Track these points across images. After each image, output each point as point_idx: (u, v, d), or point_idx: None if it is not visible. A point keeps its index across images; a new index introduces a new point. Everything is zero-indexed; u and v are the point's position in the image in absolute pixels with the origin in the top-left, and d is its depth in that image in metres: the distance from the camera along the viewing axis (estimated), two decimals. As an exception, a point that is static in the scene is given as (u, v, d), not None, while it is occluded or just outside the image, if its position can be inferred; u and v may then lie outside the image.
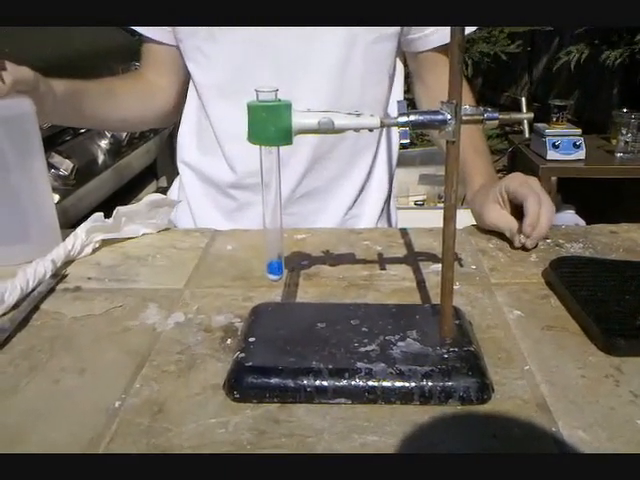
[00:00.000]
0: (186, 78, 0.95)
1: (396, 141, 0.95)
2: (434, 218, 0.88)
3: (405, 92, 0.98)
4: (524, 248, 0.70)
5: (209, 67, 0.87)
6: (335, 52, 0.82)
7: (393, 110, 0.93)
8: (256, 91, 0.43)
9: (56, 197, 1.31)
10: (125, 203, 0.77)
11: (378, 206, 0.95)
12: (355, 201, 0.93)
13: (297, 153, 0.85)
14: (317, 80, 0.83)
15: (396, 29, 0.85)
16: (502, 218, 0.72)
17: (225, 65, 0.85)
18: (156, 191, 1.88)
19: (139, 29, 0.93)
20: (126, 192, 1.71)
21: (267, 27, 0.79)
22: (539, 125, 2.49)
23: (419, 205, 2.50)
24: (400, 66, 0.93)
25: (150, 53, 0.96)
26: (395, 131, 0.95)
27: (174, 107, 0.98)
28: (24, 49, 1.31)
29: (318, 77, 0.83)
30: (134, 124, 1.05)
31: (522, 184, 0.70)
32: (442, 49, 0.86)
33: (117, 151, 1.65)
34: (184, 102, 0.96)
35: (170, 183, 1.08)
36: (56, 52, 1.40)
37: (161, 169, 2.03)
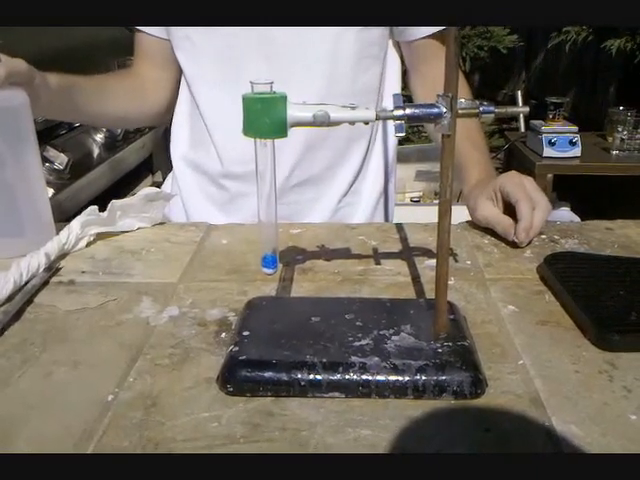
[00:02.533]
0: (179, 73, 0.94)
1: (392, 131, 0.95)
2: (430, 214, 0.87)
3: (403, 89, 0.97)
4: (517, 244, 0.70)
5: (198, 55, 0.86)
6: (326, 38, 0.82)
7: (386, 100, 0.93)
8: (251, 83, 0.43)
9: (51, 191, 1.31)
10: (120, 197, 0.76)
11: (374, 196, 0.95)
12: (350, 189, 0.93)
13: (289, 142, 0.85)
14: (309, 68, 0.83)
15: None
16: (493, 214, 0.72)
17: (214, 53, 0.84)
18: (151, 186, 1.87)
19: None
20: (121, 186, 1.71)
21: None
22: (535, 122, 2.50)
23: (415, 201, 2.50)
24: (397, 60, 0.93)
25: (142, 47, 0.95)
26: (391, 123, 0.94)
27: (168, 103, 0.97)
28: (18, 42, 1.30)
29: (310, 65, 0.83)
30: (128, 120, 1.04)
31: (517, 186, 0.70)
32: (435, 37, 0.86)
33: (112, 145, 1.65)
34: (177, 98, 0.96)
35: (165, 178, 1.08)
36: (51, 46, 1.40)
37: (157, 164, 2.02)
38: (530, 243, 0.71)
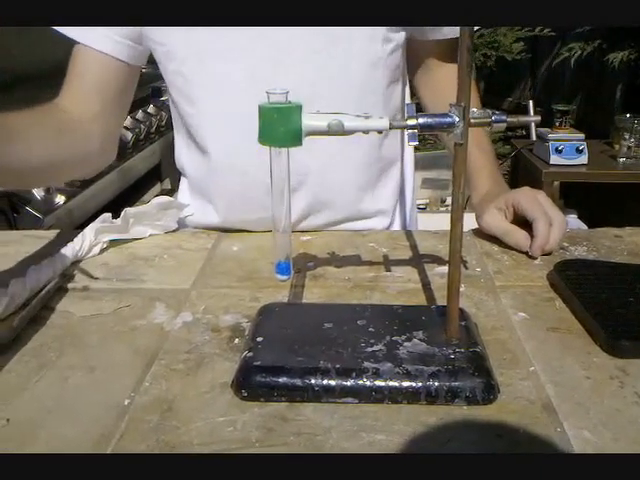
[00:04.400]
0: (124, 107, 0.83)
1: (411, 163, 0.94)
2: (437, 222, 0.88)
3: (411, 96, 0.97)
4: (530, 255, 0.70)
5: (200, 95, 0.77)
6: (355, 72, 0.77)
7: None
8: (267, 93, 0.44)
9: (62, 198, 1.32)
10: (130, 205, 0.77)
11: (402, 220, 0.94)
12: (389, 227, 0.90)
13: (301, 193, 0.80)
14: (336, 98, 0.75)
15: (405, 34, 0.81)
16: (498, 224, 0.73)
17: (221, 93, 0.76)
18: (160, 193, 1.89)
19: (93, 44, 0.75)
20: (131, 194, 1.72)
21: (275, 48, 0.73)
22: (542, 130, 2.50)
23: (422, 209, 2.50)
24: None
25: (89, 72, 0.77)
26: (409, 162, 0.94)
27: (103, 144, 0.80)
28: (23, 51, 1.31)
29: (338, 95, 0.76)
30: (47, 173, 0.73)
31: (533, 203, 0.70)
32: (449, 42, 0.83)
33: (122, 153, 1.66)
34: (116, 141, 0.85)
35: (174, 185, 1.08)
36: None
37: (165, 171, 2.03)
38: (550, 253, 0.71)
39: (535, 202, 0.70)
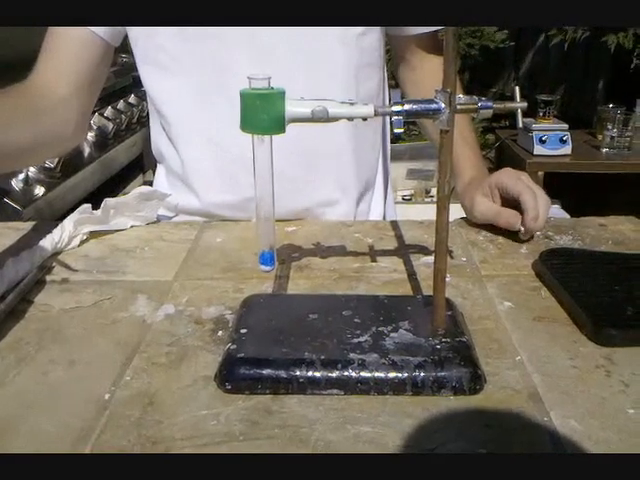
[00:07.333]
0: (98, 87, 0.82)
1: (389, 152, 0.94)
2: (422, 212, 0.88)
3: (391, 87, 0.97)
4: (518, 237, 0.70)
5: (177, 70, 0.78)
6: (325, 47, 0.78)
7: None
8: (249, 78, 0.43)
9: (42, 189, 1.30)
10: (111, 196, 0.76)
11: (380, 210, 0.95)
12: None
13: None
14: (308, 78, 0.77)
15: None
16: (491, 209, 0.72)
17: (199, 67, 0.76)
18: (143, 184, 1.86)
19: None
20: (112, 185, 1.69)
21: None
22: (526, 120, 2.49)
23: (407, 200, 2.50)
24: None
25: (61, 48, 0.76)
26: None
27: (77, 124, 0.79)
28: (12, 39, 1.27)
29: (308, 75, 0.78)
30: (21, 159, 0.74)
31: (515, 180, 0.70)
32: (427, 35, 0.84)
33: (103, 144, 1.63)
34: (88, 121, 0.84)
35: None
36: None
37: (147, 162, 2.01)
38: (532, 238, 0.71)
39: (517, 180, 0.70)
